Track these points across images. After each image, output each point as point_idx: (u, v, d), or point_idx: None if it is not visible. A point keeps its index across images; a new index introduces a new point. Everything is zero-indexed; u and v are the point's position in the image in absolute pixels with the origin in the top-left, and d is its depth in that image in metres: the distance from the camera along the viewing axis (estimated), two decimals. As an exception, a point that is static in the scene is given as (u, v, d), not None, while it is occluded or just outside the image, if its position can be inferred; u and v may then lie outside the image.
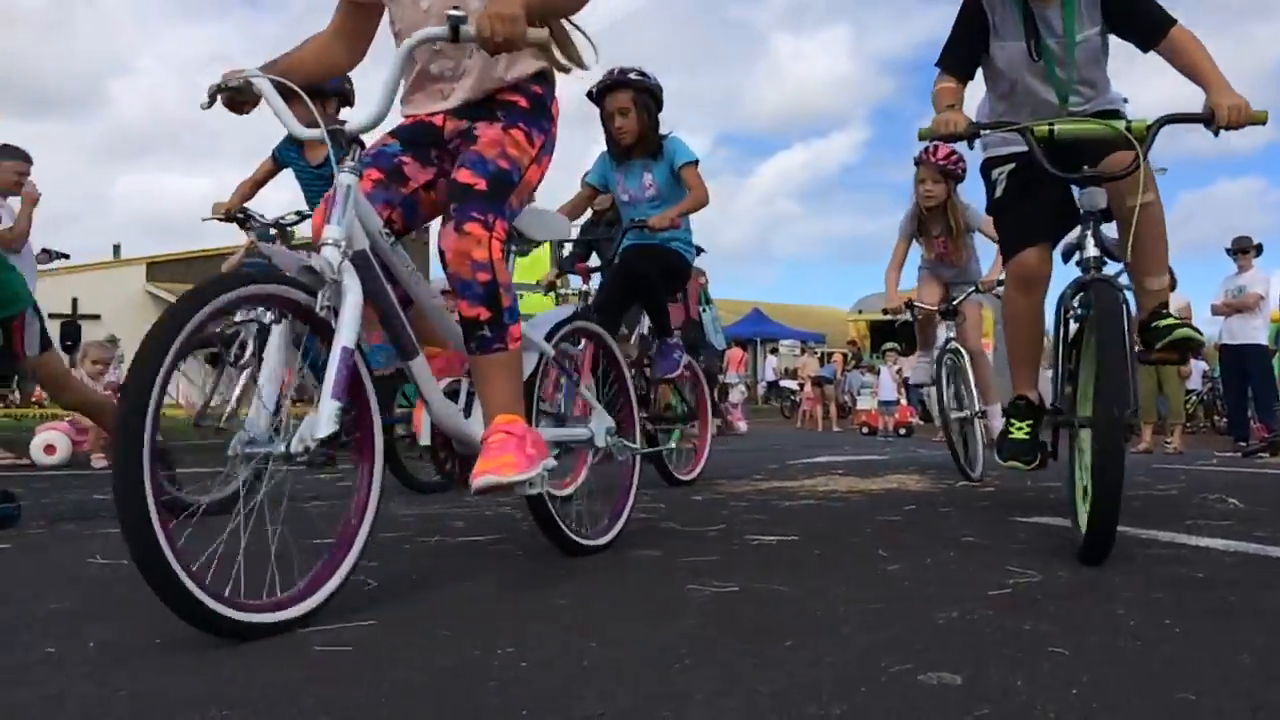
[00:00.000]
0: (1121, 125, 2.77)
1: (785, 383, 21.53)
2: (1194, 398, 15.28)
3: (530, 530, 3.17)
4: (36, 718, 1.36)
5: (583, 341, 3.12)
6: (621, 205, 4.81)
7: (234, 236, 8.74)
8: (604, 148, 4.74)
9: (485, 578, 2.38)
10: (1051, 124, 2.82)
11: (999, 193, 3.36)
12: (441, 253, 2.20)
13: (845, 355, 19.19)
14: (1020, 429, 3.34)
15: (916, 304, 5.46)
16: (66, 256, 6.04)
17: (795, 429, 17.19)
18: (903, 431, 14.15)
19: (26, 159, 5.75)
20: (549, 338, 2.69)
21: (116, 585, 2.27)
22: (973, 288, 5.33)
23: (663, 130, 4.59)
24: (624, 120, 4.50)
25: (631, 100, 4.48)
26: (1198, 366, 14.48)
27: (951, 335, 5.31)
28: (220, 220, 4.75)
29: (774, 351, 24.41)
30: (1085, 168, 2.82)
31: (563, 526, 2.59)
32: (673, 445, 5.32)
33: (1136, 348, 3.08)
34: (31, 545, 2.96)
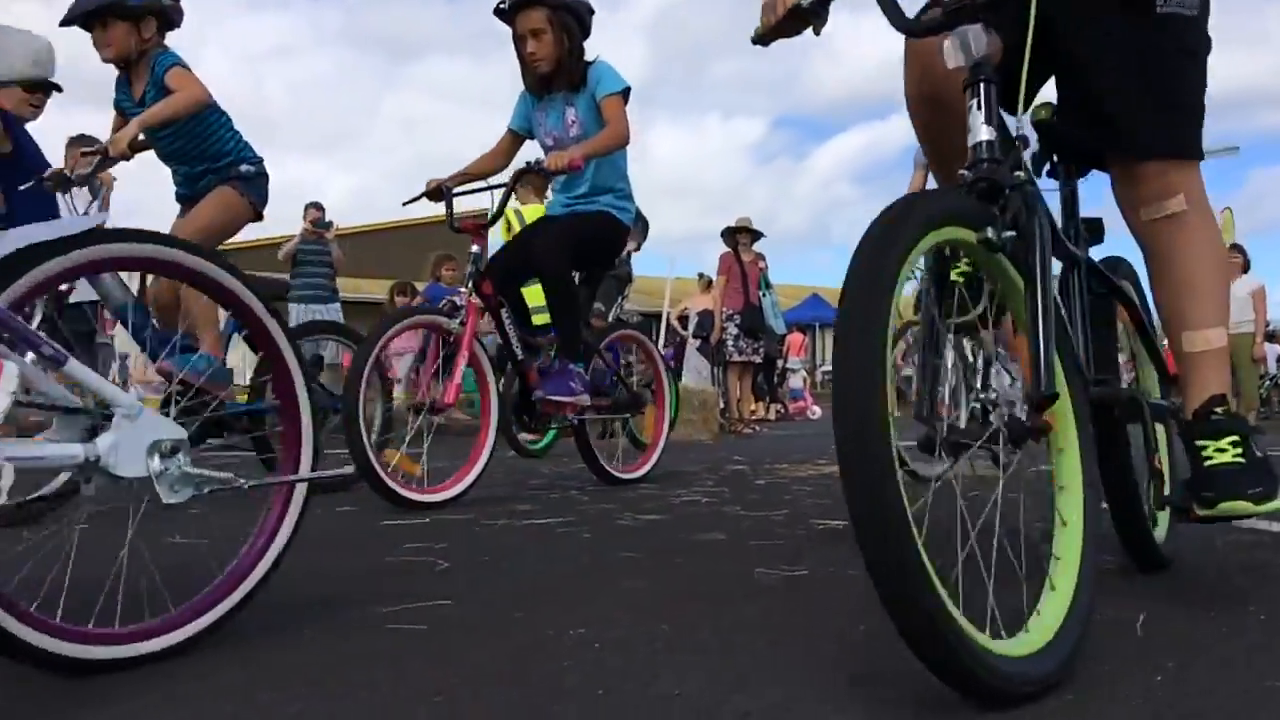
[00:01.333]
0: None
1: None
2: (1268, 382, 14.86)
3: (599, 514, 3.19)
4: (115, 693, 1.40)
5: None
6: (546, 152, 3.87)
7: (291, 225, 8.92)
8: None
9: (555, 560, 2.40)
10: None
11: None
12: None
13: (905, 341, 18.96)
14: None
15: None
16: None
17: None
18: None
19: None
20: (8, 275, 1.45)
21: (193, 566, 2.33)
22: None
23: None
24: (537, 44, 3.75)
25: (547, 19, 3.73)
26: (1272, 350, 14.06)
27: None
28: None
29: None
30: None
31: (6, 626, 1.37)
32: (633, 438, 4.70)
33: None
34: (117, 524, 3.04)
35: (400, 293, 9.53)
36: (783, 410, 13.15)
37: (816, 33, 1.86)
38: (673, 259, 13.77)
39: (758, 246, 9.51)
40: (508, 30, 3.82)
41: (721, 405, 8.97)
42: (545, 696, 1.35)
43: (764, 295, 9.51)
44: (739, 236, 9.18)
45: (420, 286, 9.49)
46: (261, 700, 1.35)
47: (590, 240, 3.91)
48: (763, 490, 3.91)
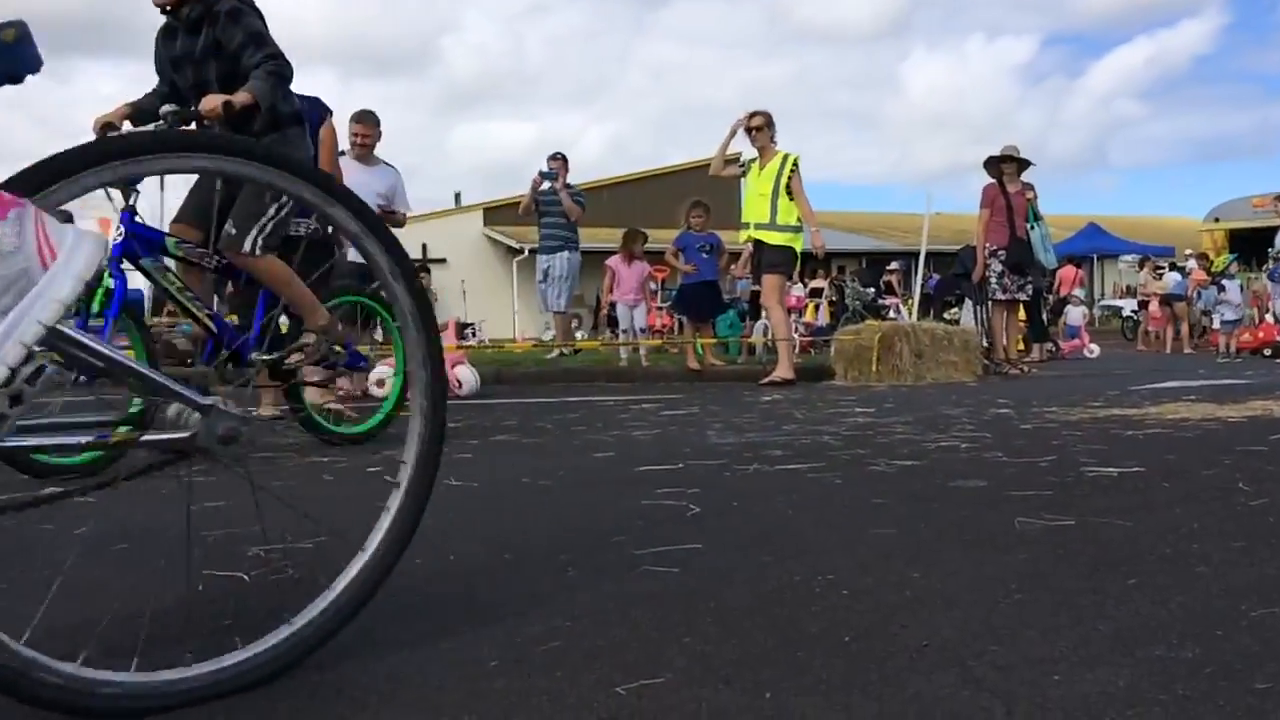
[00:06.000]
0: None
1: (1122, 302, 19.47)
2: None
3: (851, 459, 3.16)
4: (409, 620, 1.54)
5: None
6: None
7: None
8: None
9: (805, 505, 2.40)
10: None
11: None
12: None
13: (1208, 269, 17.19)
14: None
15: None
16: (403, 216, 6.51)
17: (1138, 352, 15.85)
18: (1267, 352, 12.67)
19: (376, 122, 6.26)
20: None
21: (469, 505, 2.51)
22: None
23: None
24: None
25: None
26: None
27: None
28: None
29: (1175, 268, 20.16)
30: None
31: None
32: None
33: None
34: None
35: (631, 240, 9.67)
36: (1054, 350, 12.41)
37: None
38: (930, 194, 13.28)
39: (1026, 176, 8.96)
40: None
41: (986, 345, 8.58)
42: (791, 641, 1.37)
43: (1033, 228, 8.96)
44: (1003, 166, 8.68)
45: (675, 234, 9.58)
46: (530, 632, 1.44)
47: None
48: (1028, 435, 3.73)
